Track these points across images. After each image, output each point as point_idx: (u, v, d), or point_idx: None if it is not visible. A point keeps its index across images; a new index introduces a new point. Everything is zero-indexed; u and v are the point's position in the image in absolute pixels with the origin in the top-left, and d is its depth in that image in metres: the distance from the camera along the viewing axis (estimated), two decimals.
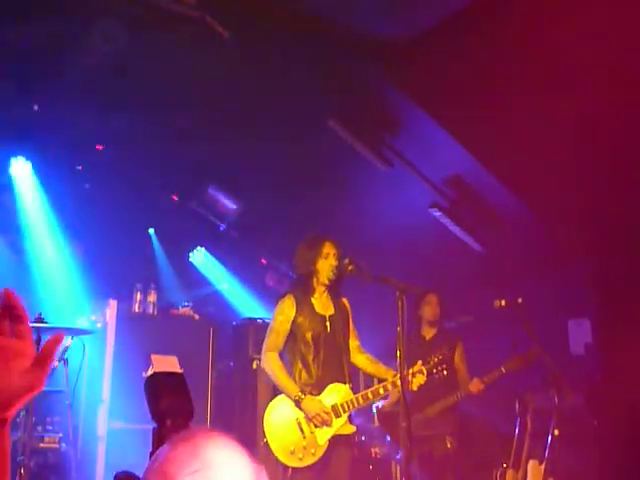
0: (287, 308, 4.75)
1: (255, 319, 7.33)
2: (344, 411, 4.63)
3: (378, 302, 6.05)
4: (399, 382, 4.34)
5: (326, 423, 4.48)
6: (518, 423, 5.18)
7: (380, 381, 4.74)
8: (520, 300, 5.14)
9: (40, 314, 5.36)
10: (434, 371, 4.69)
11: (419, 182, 6.65)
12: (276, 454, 4.53)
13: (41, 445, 6.13)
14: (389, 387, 4.61)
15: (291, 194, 7.17)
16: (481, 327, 6.90)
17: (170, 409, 2.78)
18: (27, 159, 7.39)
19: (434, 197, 6.80)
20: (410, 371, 4.52)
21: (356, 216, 7.23)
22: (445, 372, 4.71)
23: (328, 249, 4.79)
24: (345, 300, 4.97)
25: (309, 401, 4.53)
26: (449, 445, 5.77)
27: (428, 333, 6.09)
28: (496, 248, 7.27)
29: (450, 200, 6.91)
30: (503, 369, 5.44)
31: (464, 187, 6.64)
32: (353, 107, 6.11)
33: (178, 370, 3.25)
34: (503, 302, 5.22)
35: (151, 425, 3.07)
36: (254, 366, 6.86)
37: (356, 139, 6.30)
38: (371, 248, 6.45)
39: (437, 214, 6.97)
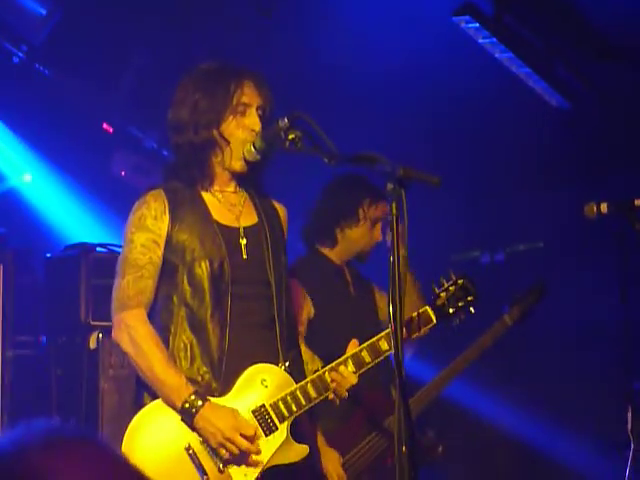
0: (152, 216, 3.62)
1: (92, 247, 5.67)
2: (280, 418, 3.54)
3: None
4: (384, 345, 3.69)
5: (247, 457, 3.46)
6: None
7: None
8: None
9: None
10: (451, 310, 3.93)
11: None
12: None
13: None
14: (366, 356, 3.68)
15: None
16: (559, 258, 6.05)
17: None
18: None
19: None
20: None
21: (311, 38, 5.92)
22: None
23: (247, 96, 3.64)
24: (279, 206, 3.89)
25: (208, 414, 3.43)
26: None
27: (348, 274, 5.04)
28: (590, 103, 6.06)
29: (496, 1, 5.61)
30: (508, 319, 4.72)
31: None
32: None
33: None
34: (604, 207, 4.27)
35: None
36: (92, 344, 5.42)
37: None
38: (342, 104, 5.89)
39: (470, 27, 5.61)
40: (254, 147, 3.57)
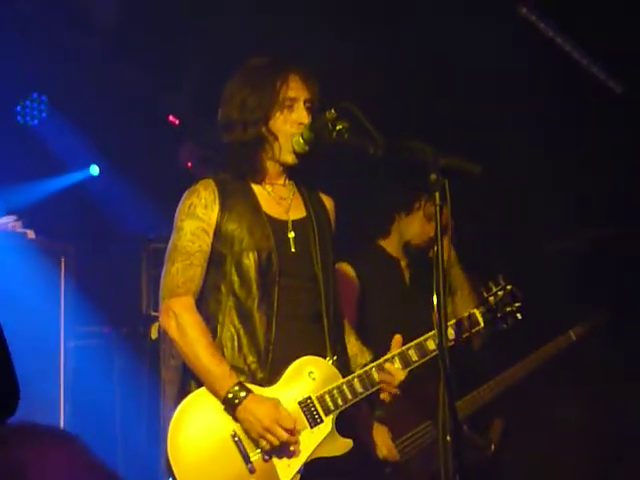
0: (202, 205, 3.62)
1: (153, 239, 5.90)
2: (326, 411, 3.51)
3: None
4: (431, 345, 3.65)
5: (288, 449, 3.47)
6: None
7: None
8: None
9: None
10: (499, 315, 3.87)
11: None
12: None
13: None
14: (413, 354, 3.66)
15: None
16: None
17: None
18: None
19: None
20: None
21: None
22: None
23: (294, 91, 3.62)
24: (327, 199, 3.90)
25: (250, 405, 3.43)
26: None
27: (405, 266, 4.98)
28: None
29: None
30: (573, 334, 4.77)
31: None
32: None
33: None
34: None
35: None
36: (153, 334, 5.66)
37: None
38: (382, 95, 5.65)
39: (532, 14, 5.72)
40: (302, 138, 3.60)
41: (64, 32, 6.12)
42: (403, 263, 4.83)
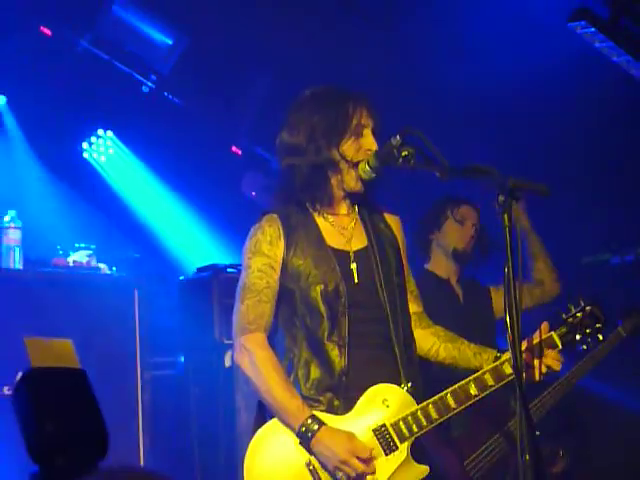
0: (267, 241, 3.62)
1: (223, 268, 5.81)
2: (401, 438, 3.47)
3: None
4: (509, 366, 3.51)
5: (363, 475, 3.43)
6: None
7: (468, 374, 3.69)
8: None
9: None
10: (578, 337, 3.77)
11: None
12: None
13: None
14: (489, 379, 3.56)
15: (290, 5, 5.74)
16: None
17: (62, 434, 2.27)
18: None
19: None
20: (535, 340, 3.63)
21: (419, 48, 5.89)
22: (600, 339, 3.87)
23: (364, 118, 3.62)
24: (392, 218, 3.83)
25: (325, 438, 3.42)
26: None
27: (456, 284, 4.99)
28: None
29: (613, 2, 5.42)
30: (622, 330, 4.67)
31: None
32: None
33: (75, 364, 2.55)
34: None
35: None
36: (227, 362, 5.57)
37: None
38: (446, 119, 5.82)
39: (587, 31, 5.41)
40: (369, 166, 3.60)
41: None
42: (453, 280, 4.90)
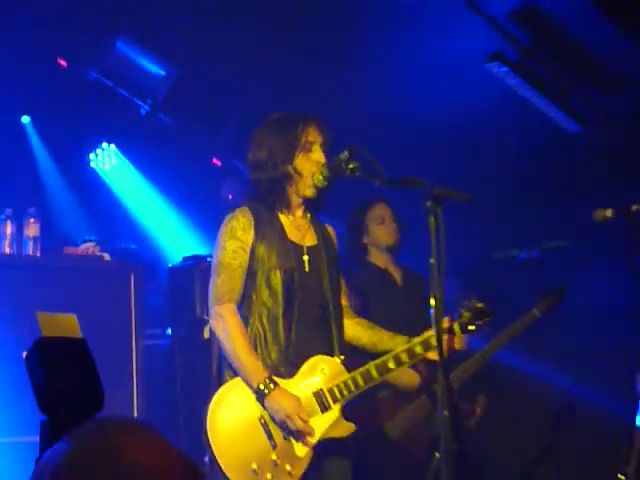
0: (241, 228, 3.85)
1: (204, 257, 6.00)
2: (334, 400, 3.80)
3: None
4: (433, 342, 3.68)
5: (302, 433, 3.69)
6: None
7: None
8: (636, 208, 4.40)
9: None
10: (472, 327, 4.04)
11: (467, 19, 5.51)
12: (228, 475, 3.68)
13: None
14: (404, 357, 3.85)
15: (262, 45, 5.94)
16: (579, 254, 5.95)
17: (66, 391, 2.25)
18: None
19: (494, 43, 5.69)
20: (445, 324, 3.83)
21: (366, 84, 6.08)
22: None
23: (312, 136, 3.89)
24: (330, 228, 4.15)
25: (277, 396, 3.66)
26: None
27: (394, 271, 5.30)
28: (602, 125, 6.17)
29: (521, 46, 5.76)
30: (537, 312, 4.81)
31: (542, 23, 5.66)
32: None
33: (78, 335, 2.48)
34: (609, 212, 4.48)
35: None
36: (206, 334, 5.73)
37: None
38: (385, 139, 5.78)
39: (501, 71, 5.74)
40: (322, 175, 3.89)
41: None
42: (391, 268, 5.14)
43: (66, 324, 2.64)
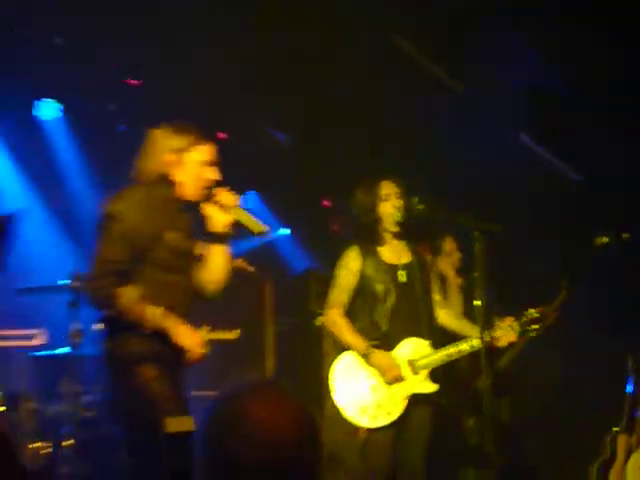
0: (351, 261, 4.57)
1: (316, 269, 7.11)
2: (423, 367, 4.47)
3: None
4: (494, 333, 4.39)
5: (398, 379, 4.37)
6: (632, 382, 4.86)
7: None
8: (626, 236, 4.86)
9: None
10: (528, 328, 4.53)
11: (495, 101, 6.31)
12: (345, 414, 4.41)
13: (90, 415, 5.72)
14: (475, 344, 4.41)
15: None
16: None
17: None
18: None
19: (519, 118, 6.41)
20: (498, 324, 4.47)
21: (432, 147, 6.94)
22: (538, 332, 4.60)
23: (387, 189, 4.54)
24: (421, 247, 4.81)
25: (378, 356, 4.39)
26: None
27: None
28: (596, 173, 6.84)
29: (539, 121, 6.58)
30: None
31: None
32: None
33: None
34: (605, 238, 4.92)
35: None
36: (318, 322, 6.53)
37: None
38: (447, 192, 6.28)
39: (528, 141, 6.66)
40: (399, 216, 4.53)
41: None
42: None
43: None
